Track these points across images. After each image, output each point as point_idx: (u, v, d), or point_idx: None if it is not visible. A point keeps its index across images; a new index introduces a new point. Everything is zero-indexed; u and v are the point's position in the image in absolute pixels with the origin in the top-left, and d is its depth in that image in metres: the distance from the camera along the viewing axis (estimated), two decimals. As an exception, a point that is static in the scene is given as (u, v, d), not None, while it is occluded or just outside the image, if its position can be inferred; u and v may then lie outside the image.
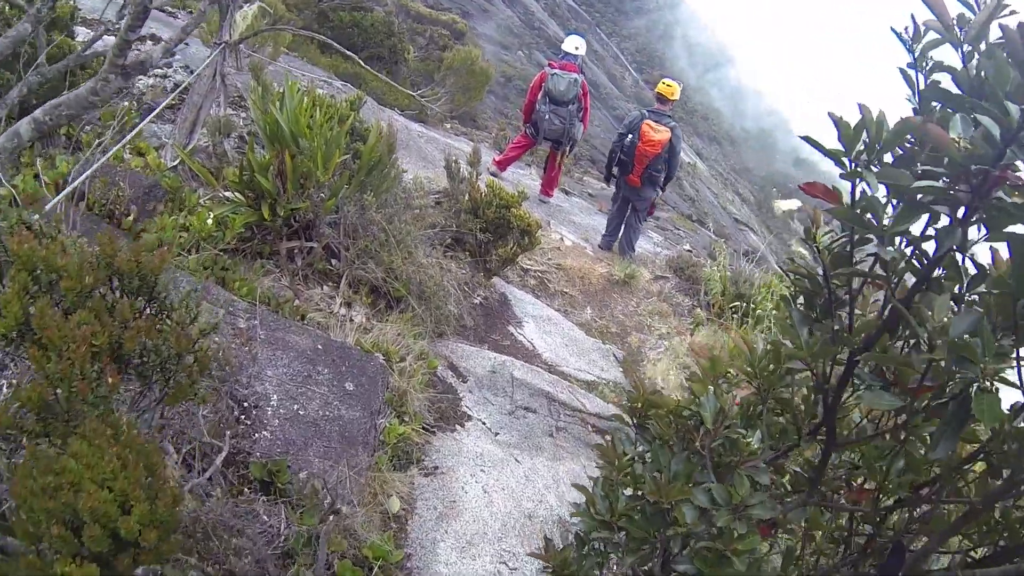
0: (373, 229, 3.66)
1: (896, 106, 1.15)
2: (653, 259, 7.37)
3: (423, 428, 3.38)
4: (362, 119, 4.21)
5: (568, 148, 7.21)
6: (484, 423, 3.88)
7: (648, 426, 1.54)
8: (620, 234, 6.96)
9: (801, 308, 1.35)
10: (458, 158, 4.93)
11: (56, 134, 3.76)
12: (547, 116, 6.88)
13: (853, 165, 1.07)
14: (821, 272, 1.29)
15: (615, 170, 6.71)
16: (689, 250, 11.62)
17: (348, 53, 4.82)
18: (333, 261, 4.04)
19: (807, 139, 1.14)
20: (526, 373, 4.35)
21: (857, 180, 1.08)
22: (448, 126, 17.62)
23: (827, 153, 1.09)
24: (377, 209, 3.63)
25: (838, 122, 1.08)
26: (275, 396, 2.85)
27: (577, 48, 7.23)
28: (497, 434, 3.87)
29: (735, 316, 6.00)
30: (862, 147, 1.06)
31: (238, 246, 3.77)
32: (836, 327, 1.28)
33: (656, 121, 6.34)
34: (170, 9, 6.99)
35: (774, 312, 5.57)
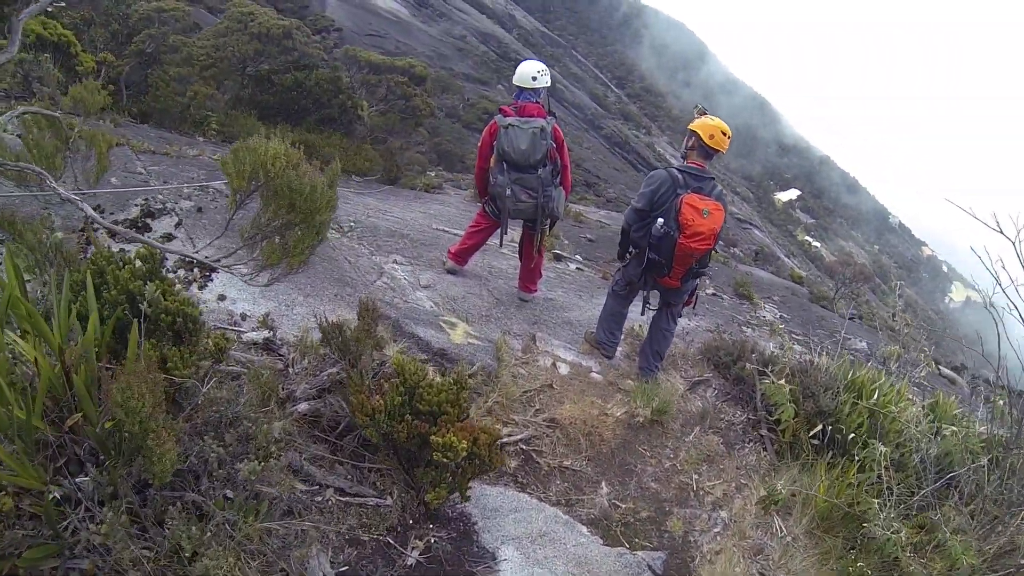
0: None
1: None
2: (684, 346, 5.23)
3: None
4: (151, 299, 2.18)
5: (548, 226, 4.77)
6: None
7: None
8: (643, 339, 4.67)
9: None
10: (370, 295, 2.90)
11: None
12: (509, 191, 4.50)
13: None
14: None
15: (633, 259, 4.26)
16: (714, 294, 9.38)
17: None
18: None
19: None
20: None
21: None
22: (432, 174, 15.56)
23: None
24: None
25: None
26: None
27: (535, 78, 4.55)
28: None
29: (814, 443, 3.87)
30: None
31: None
32: None
33: (700, 191, 3.86)
34: None
35: (881, 448, 3.41)
